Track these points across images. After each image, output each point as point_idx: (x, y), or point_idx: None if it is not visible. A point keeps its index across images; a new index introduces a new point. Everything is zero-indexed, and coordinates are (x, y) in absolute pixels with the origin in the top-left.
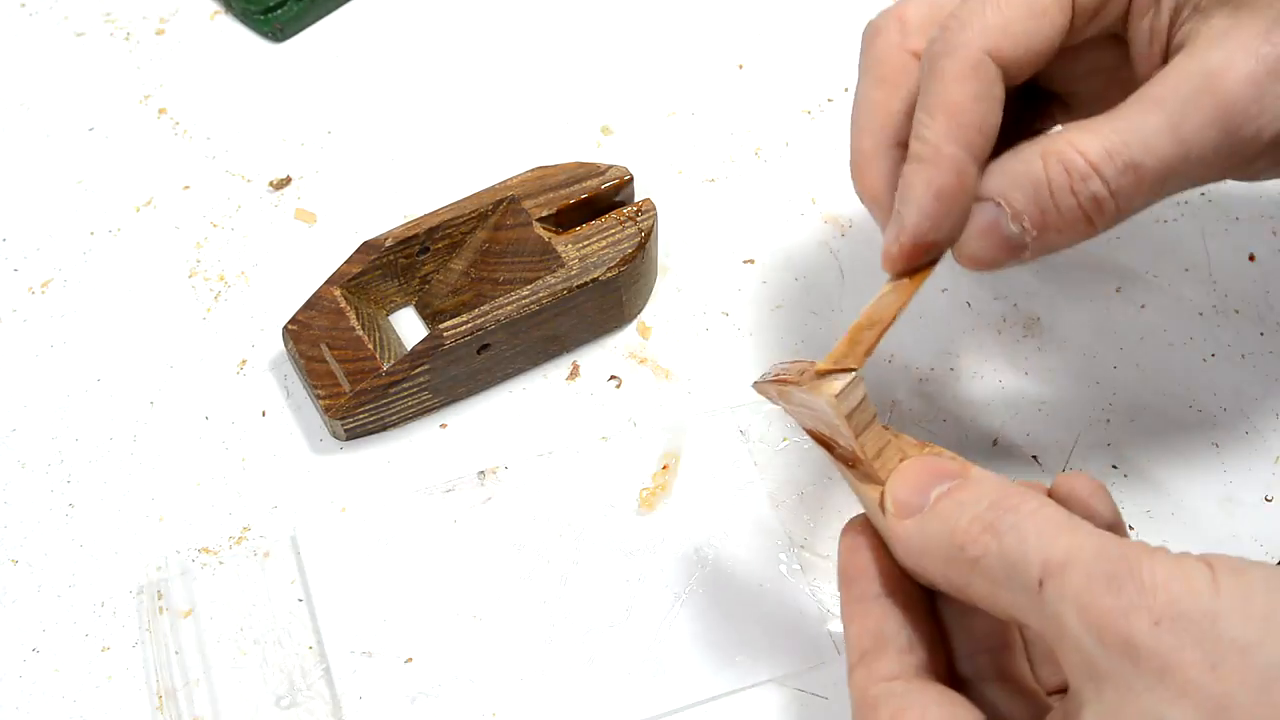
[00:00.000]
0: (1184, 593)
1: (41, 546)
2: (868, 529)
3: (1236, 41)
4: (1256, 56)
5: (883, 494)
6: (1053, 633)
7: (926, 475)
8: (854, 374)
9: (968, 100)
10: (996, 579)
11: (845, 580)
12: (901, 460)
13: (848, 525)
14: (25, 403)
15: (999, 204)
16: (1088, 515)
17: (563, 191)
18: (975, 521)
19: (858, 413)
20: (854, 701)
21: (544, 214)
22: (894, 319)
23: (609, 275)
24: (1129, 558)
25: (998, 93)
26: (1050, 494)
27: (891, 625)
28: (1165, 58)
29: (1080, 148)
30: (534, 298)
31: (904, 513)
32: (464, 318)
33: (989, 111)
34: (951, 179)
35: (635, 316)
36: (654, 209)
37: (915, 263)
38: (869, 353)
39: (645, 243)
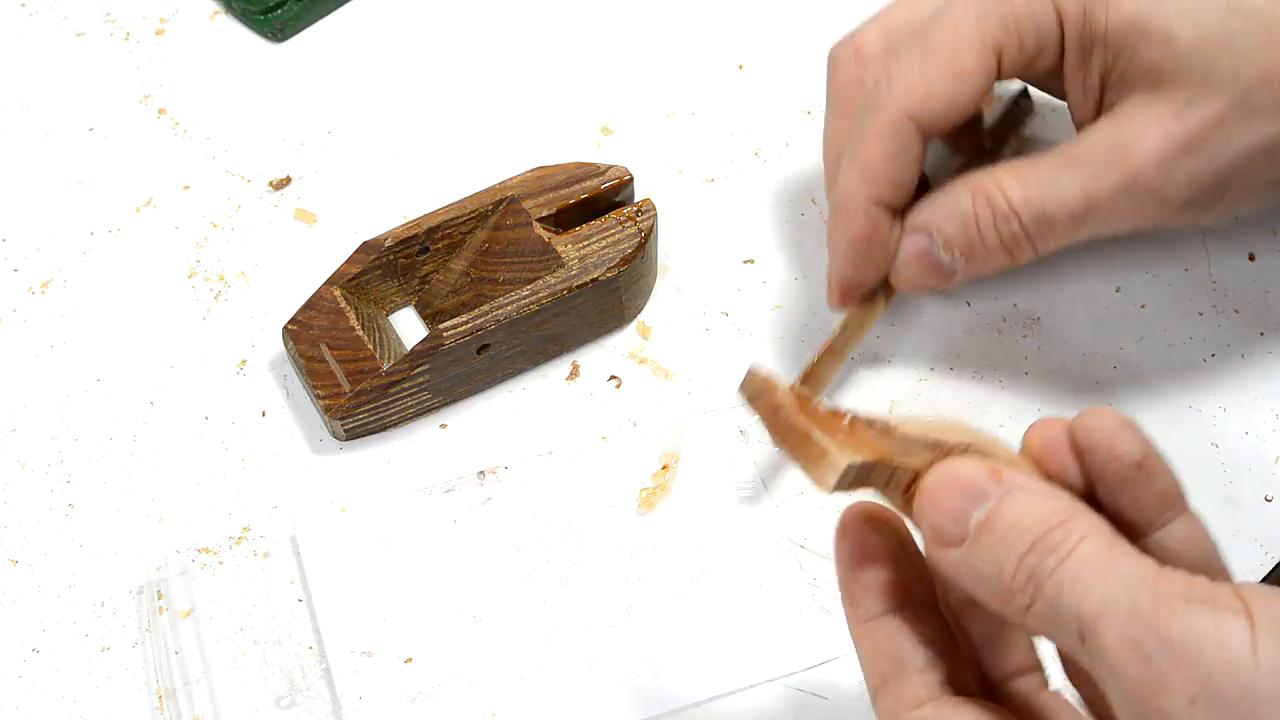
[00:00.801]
0: (1218, 667)
1: (41, 546)
2: (859, 533)
3: (1151, 116)
4: (1167, 134)
5: (912, 490)
6: (1103, 686)
7: (960, 498)
8: (847, 466)
9: (883, 158)
10: (1047, 626)
11: (847, 598)
12: (916, 468)
13: (839, 530)
14: (25, 403)
15: (931, 235)
16: (1112, 457)
17: (563, 191)
18: (1021, 569)
19: (857, 480)
20: None
21: (544, 214)
22: (849, 348)
23: (609, 275)
24: (1160, 617)
25: (914, 150)
26: (1072, 437)
27: (905, 645)
28: (1099, 111)
29: (1004, 190)
30: (534, 298)
31: (944, 542)
32: (464, 318)
33: (903, 167)
34: (864, 228)
35: (635, 316)
36: (654, 209)
37: (849, 301)
38: (825, 384)
39: (645, 243)
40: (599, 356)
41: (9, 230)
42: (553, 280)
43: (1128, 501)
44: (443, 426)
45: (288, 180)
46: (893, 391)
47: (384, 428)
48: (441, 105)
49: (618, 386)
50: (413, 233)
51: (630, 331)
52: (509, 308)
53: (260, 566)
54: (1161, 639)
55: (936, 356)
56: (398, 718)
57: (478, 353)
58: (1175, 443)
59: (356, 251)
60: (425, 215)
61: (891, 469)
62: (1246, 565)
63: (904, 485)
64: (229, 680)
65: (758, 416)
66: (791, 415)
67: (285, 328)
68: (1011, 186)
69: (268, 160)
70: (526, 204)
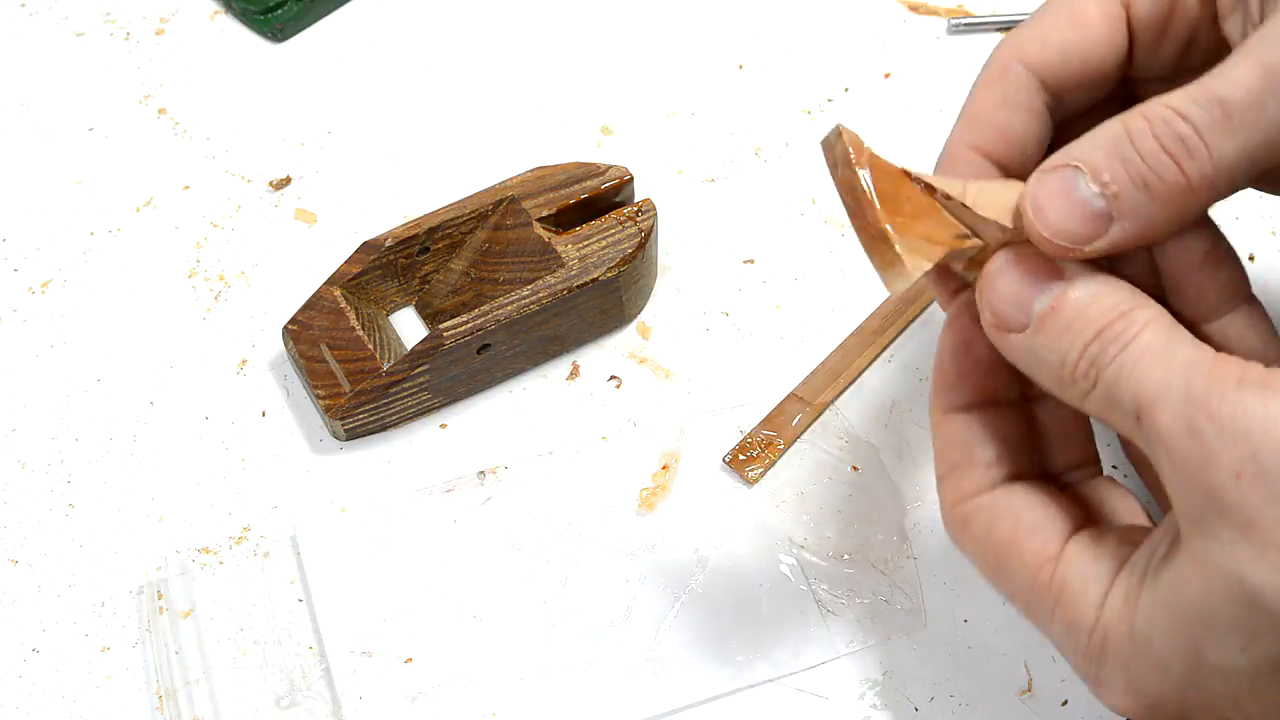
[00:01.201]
0: (1265, 444)
1: (41, 546)
2: (968, 325)
3: None
4: None
5: (979, 259)
6: (1156, 465)
7: (1023, 286)
8: (919, 278)
9: (988, 106)
10: (1103, 409)
11: (937, 384)
12: (983, 246)
13: (950, 316)
14: (25, 403)
15: (1075, 166)
16: (1180, 249)
17: (563, 191)
18: (1083, 358)
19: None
20: (944, 518)
21: (544, 214)
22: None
23: (609, 275)
24: (1213, 399)
25: (1026, 100)
26: None
27: (978, 439)
28: None
29: (1161, 99)
30: (534, 298)
31: (1006, 327)
32: (464, 318)
33: (1011, 118)
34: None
35: (635, 316)
36: (654, 209)
37: None
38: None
39: (645, 243)
40: (599, 356)
41: (9, 230)
42: (553, 280)
43: (1193, 292)
44: (443, 426)
45: (288, 180)
46: (893, 391)
47: (384, 428)
48: (441, 105)
49: (618, 386)
50: (413, 233)
51: (630, 331)
52: (509, 308)
53: (260, 566)
54: (1212, 419)
55: None
56: (398, 718)
57: (478, 353)
58: None
59: (356, 251)
60: (425, 215)
61: (959, 254)
62: None
63: (969, 258)
64: (229, 680)
65: (835, 183)
66: (869, 206)
67: (285, 328)
68: (1169, 95)
69: (268, 160)
70: (526, 204)
